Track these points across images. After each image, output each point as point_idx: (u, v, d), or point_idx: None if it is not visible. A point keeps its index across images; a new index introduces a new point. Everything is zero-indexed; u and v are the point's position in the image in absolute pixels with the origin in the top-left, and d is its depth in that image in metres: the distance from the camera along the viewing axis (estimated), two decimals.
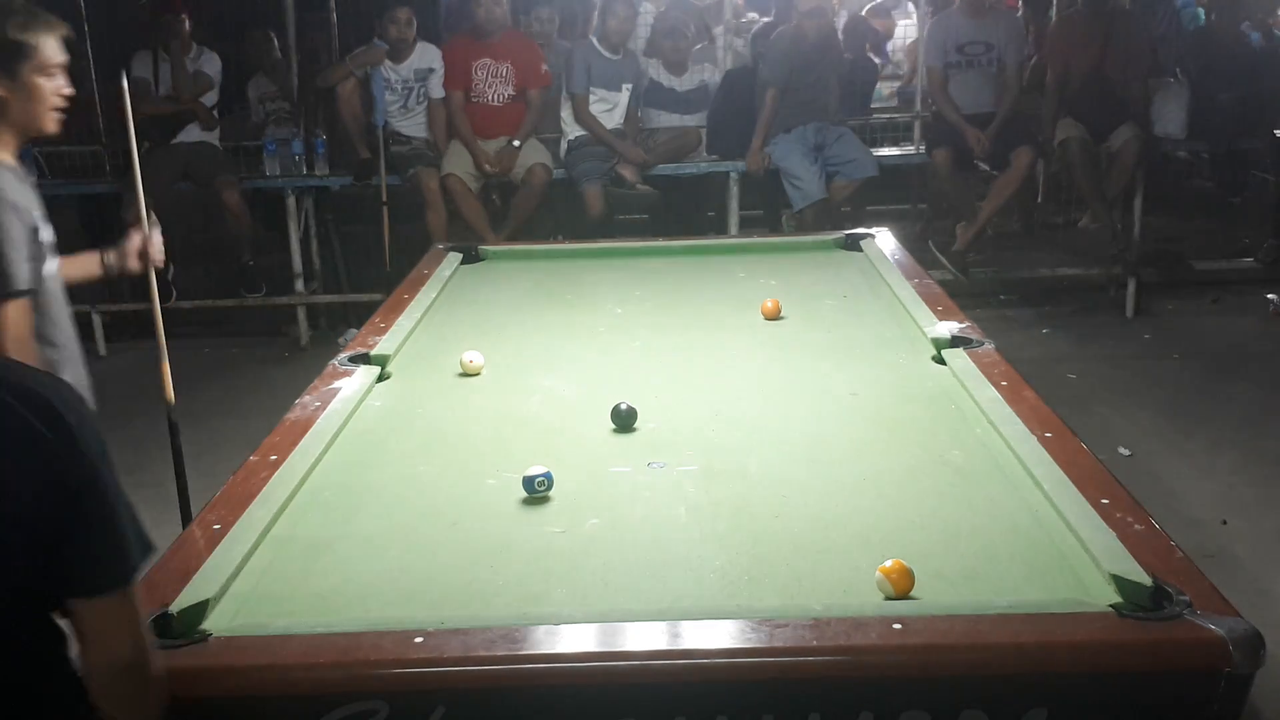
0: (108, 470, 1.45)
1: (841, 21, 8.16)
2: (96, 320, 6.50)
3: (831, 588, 1.82)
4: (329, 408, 2.60)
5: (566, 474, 2.22)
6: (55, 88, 2.40)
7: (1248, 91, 6.54)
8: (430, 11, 7.05)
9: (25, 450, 1.36)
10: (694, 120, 6.44)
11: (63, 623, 1.47)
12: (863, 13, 8.48)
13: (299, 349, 6.41)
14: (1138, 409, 5.06)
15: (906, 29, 8.80)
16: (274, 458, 2.31)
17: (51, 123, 2.43)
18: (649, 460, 2.34)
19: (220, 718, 1.63)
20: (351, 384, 2.76)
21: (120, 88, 3.06)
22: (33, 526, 1.36)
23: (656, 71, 6.36)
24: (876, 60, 8.34)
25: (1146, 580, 1.70)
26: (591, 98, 6.16)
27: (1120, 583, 1.72)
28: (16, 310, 2.26)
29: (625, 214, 6.46)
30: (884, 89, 8.67)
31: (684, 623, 1.68)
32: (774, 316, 3.34)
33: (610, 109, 6.20)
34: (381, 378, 2.90)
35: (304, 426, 2.49)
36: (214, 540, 1.97)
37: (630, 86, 6.21)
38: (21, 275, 2.28)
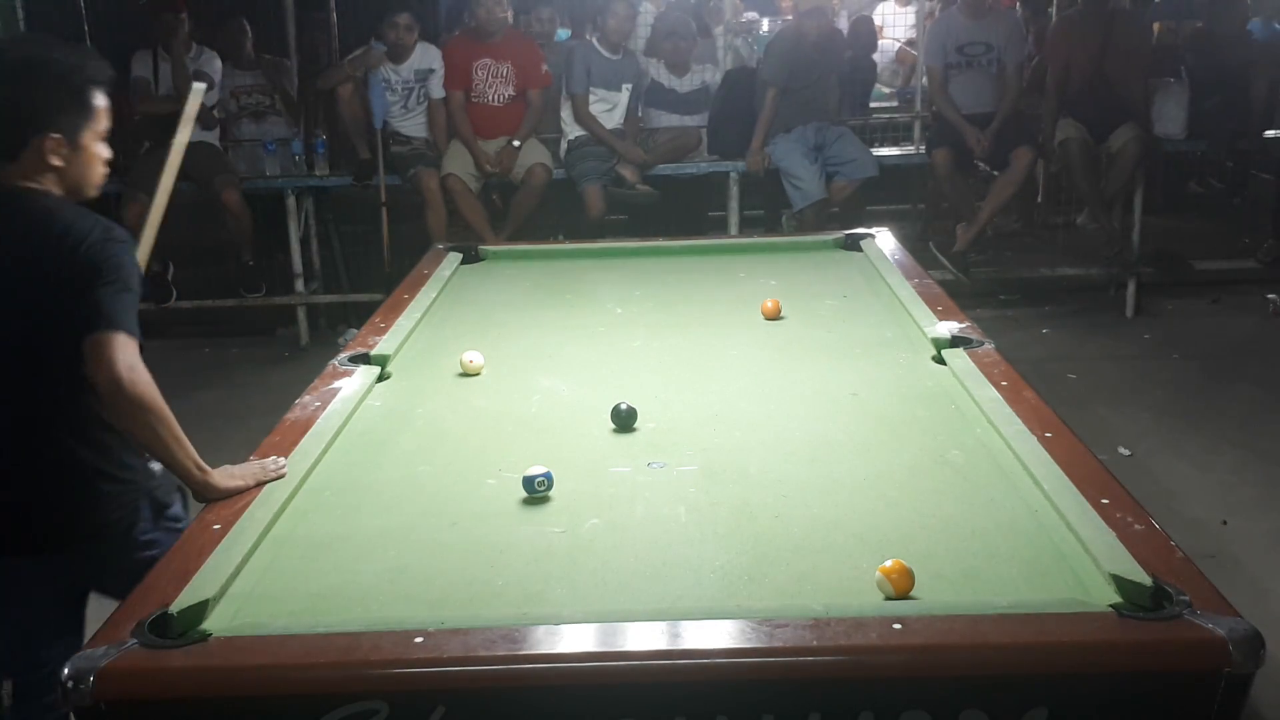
0: (126, 270, 2.16)
1: (843, 22, 8.18)
2: None
3: (832, 588, 1.82)
4: (329, 408, 2.60)
5: (566, 474, 2.22)
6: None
7: (1243, 92, 6.55)
8: (430, 12, 7.05)
9: (76, 244, 2.14)
10: (695, 121, 6.44)
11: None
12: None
13: (299, 349, 6.41)
14: (1138, 409, 5.06)
15: (896, 29, 8.83)
16: (274, 457, 2.31)
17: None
18: (649, 460, 2.34)
19: (220, 718, 1.63)
20: (351, 384, 2.76)
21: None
22: (61, 289, 2.11)
23: (657, 72, 6.37)
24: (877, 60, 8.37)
25: (1146, 580, 1.70)
26: (591, 98, 6.16)
27: (1120, 583, 1.72)
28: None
29: (625, 214, 6.46)
30: (883, 88, 8.70)
31: (684, 623, 1.68)
32: (774, 316, 3.34)
33: (610, 109, 6.20)
34: (381, 378, 2.90)
35: (304, 426, 2.49)
36: (214, 540, 1.97)
37: (630, 86, 6.21)
38: None
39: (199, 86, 2.85)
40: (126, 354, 2.10)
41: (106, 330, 2.09)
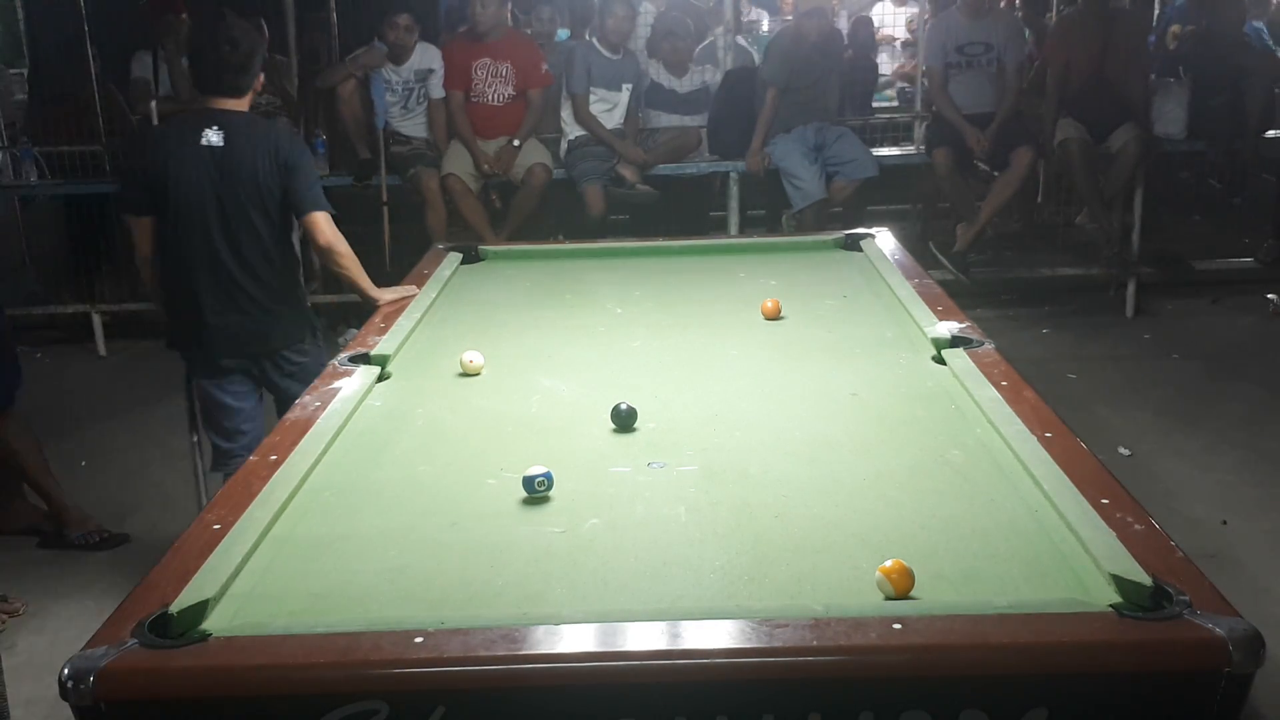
0: (309, 165, 3.55)
1: (843, 22, 8.19)
2: (96, 321, 6.51)
3: (832, 588, 1.82)
4: (329, 408, 2.60)
5: (566, 474, 2.22)
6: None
7: (1240, 92, 6.56)
8: (430, 12, 7.05)
9: (289, 154, 3.46)
10: (695, 121, 6.43)
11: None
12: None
13: None
14: (1138, 409, 5.06)
15: (895, 30, 8.88)
16: (274, 458, 2.31)
17: None
18: (649, 460, 2.34)
19: (220, 718, 1.63)
20: (351, 384, 2.76)
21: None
22: (280, 183, 3.43)
23: (657, 72, 6.36)
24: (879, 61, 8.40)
25: (1146, 580, 1.70)
26: (591, 97, 6.15)
27: (1120, 583, 1.72)
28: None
29: (625, 214, 6.45)
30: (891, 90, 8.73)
31: (684, 623, 1.68)
32: (774, 316, 3.34)
33: (610, 109, 6.20)
34: (381, 378, 2.90)
35: (304, 426, 2.49)
36: (214, 540, 1.96)
37: (630, 86, 6.20)
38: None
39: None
40: (326, 225, 3.51)
41: (313, 212, 3.48)
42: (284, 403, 3.40)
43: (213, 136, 3.40)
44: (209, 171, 3.40)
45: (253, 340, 3.53)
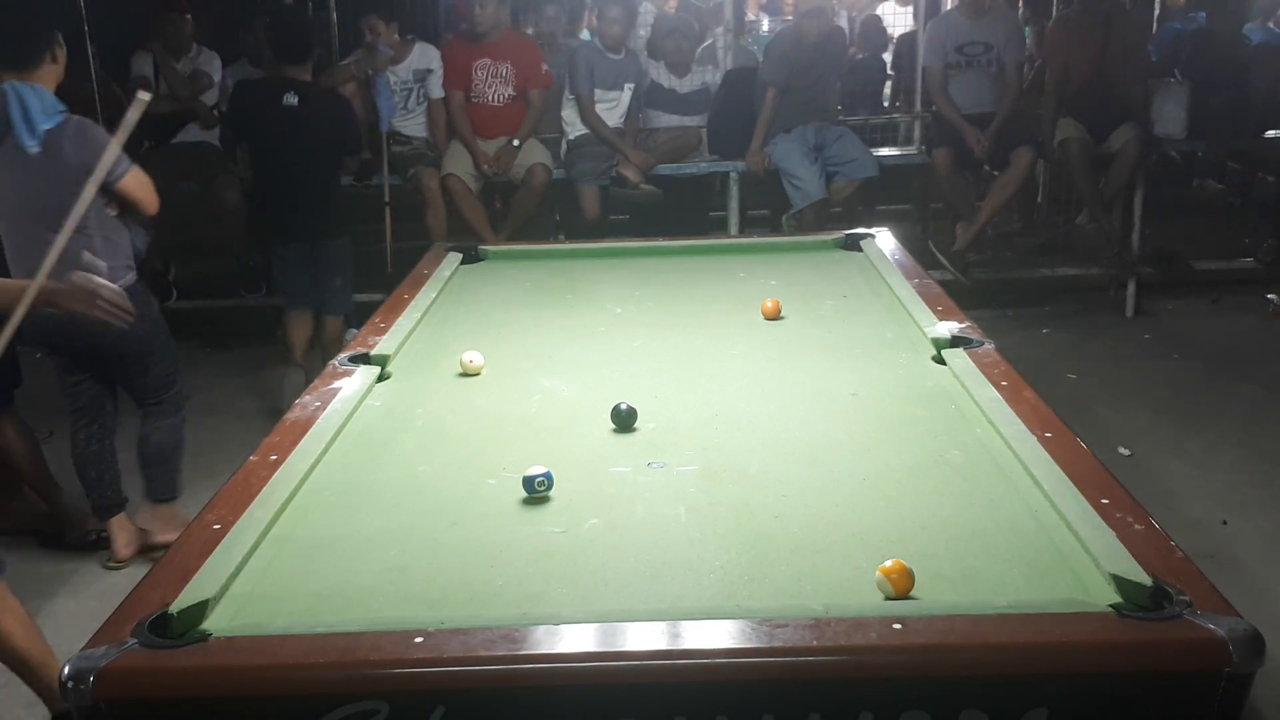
0: (356, 125, 5.40)
1: (844, 22, 8.19)
2: None
3: (832, 588, 1.82)
4: (329, 408, 2.60)
5: (566, 474, 2.22)
6: None
7: (1241, 93, 6.55)
8: (430, 12, 7.03)
9: (340, 114, 5.25)
10: (695, 121, 6.43)
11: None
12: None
13: None
14: (1138, 409, 5.06)
15: (897, 30, 8.89)
16: (274, 458, 2.31)
17: None
18: (649, 460, 2.34)
19: (220, 718, 1.63)
20: (351, 384, 2.76)
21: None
22: (343, 133, 5.24)
23: (658, 72, 6.36)
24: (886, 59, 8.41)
25: (1146, 580, 1.70)
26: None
27: (1120, 583, 1.72)
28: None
29: (626, 214, 6.45)
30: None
31: (684, 623, 1.68)
32: (774, 316, 3.34)
33: (611, 108, 6.20)
34: (381, 378, 2.90)
35: (304, 426, 2.49)
36: (214, 540, 1.96)
37: (632, 86, 6.20)
38: None
39: (143, 96, 3.05)
40: (358, 158, 5.52)
41: (358, 151, 5.44)
42: (323, 266, 5.17)
43: (291, 99, 4.92)
44: (288, 124, 4.97)
45: (308, 228, 5.13)
